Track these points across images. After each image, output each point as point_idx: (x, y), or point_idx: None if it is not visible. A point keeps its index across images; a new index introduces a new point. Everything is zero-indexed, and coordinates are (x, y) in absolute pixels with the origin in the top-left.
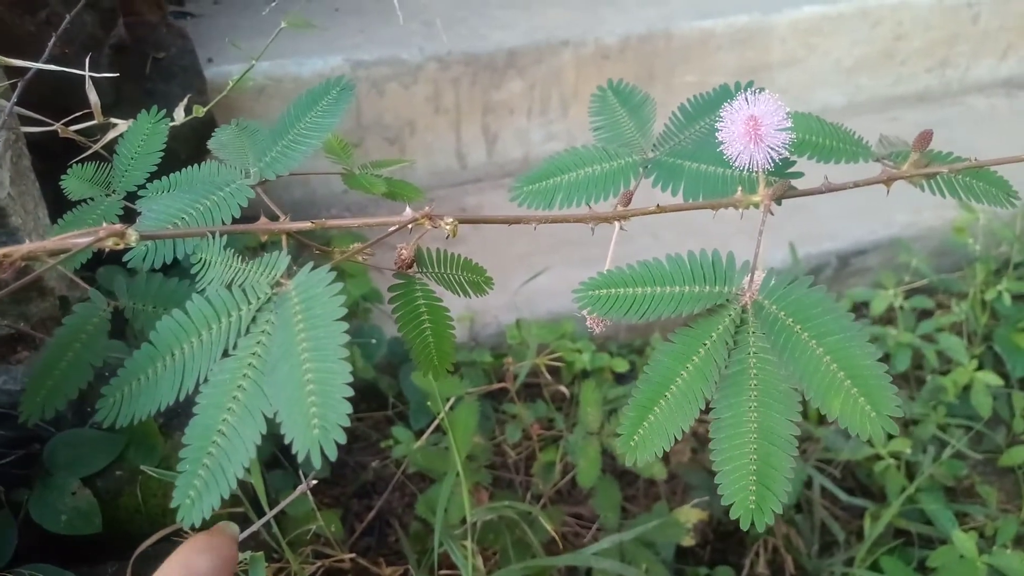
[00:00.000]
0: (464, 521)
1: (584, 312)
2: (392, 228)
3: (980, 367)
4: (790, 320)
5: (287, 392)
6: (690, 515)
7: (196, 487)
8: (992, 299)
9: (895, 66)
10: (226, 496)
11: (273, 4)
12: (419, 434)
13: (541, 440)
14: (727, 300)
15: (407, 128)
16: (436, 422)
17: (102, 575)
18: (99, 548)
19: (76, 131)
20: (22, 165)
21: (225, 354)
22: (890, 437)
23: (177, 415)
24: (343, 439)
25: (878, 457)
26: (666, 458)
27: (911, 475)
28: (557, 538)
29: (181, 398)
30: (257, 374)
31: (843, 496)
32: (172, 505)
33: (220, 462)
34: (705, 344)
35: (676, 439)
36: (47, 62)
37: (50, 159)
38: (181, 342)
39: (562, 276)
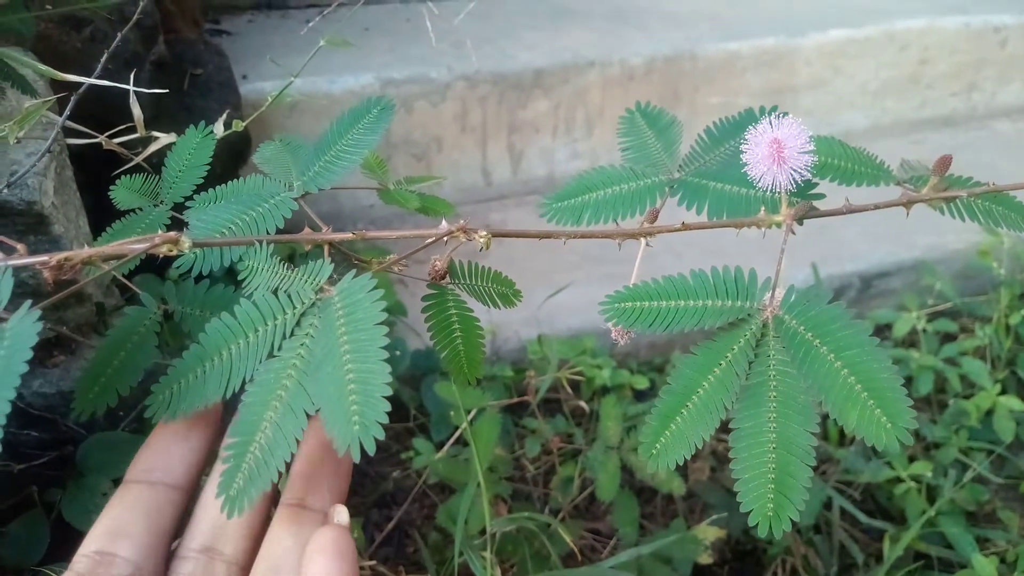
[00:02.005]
0: (483, 532)
1: (609, 324)
2: (429, 240)
3: (1003, 392)
4: (809, 334)
5: (329, 391)
6: (708, 533)
7: (240, 480)
8: (1016, 324)
9: (921, 89)
10: (267, 488)
11: (310, 24)
12: (440, 446)
13: (560, 454)
14: (749, 315)
15: (434, 145)
16: (458, 433)
17: None
18: None
19: (118, 144)
20: (65, 176)
21: (270, 355)
22: (911, 460)
23: None
24: (382, 435)
25: (898, 480)
26: (684, 475)
27: (932, 499)
28: (576, 550)
29: (227, 396)
30: (300, 374)
31: (863, 518)
32: (216, 496)
33: (264, 456)
34: (727, 356)
35: (697, 447)
36: (95, 78)
37: (88, 171)
38: (229, 343)
39: (583, 293)
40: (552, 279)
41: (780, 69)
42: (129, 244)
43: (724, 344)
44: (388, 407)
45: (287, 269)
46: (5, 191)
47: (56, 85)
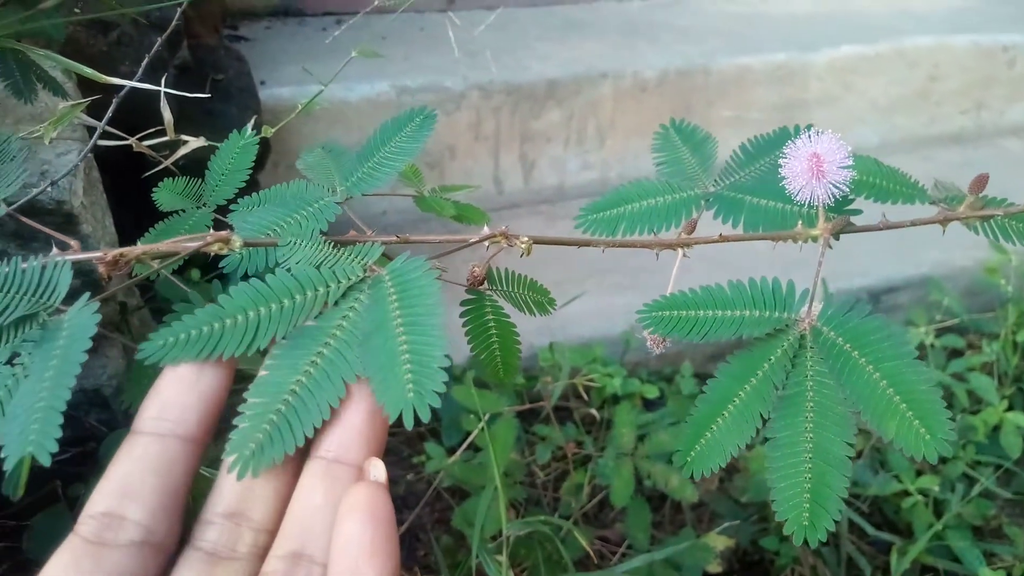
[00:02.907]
0: (496, 537)
1: (646, 333)
2: (471, 242)
3: (1010, 408)
4: (848, 346)
5: (380, 360)
6: (717, 541)
7: (259, 440)
8: (1023, 341)
9: (930, 107)
10: (291, 452)
11: (335, 34)
12: (451, 451)
13: (572, 460)
14: (786, 325)
15: (447, 153)
16: (472, 436)
17: None
18: None
19: (146, 147)
20: (93, 176)
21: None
22: (918, 474)
23: (225, 418)
24: (438, 403)
25: (906, 493)
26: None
27: (939, 513)
28: (592, 554)
29: (248, 352)
30: (340, 343)
31: (870, 530)
32: (224, 456)
33: (289, 419)
34: (763, 367)
35: (733, 455)
36: (136, 81)
37: (111, 172)
38: (258, 306)
39: (594, 303)
40: (563, 289)
41: (792, 84)
42: (182, 242)
43: (761, 354)
44: (446, 377)
45: (332, 247)
46: (49, 189)
47: (83, 88)
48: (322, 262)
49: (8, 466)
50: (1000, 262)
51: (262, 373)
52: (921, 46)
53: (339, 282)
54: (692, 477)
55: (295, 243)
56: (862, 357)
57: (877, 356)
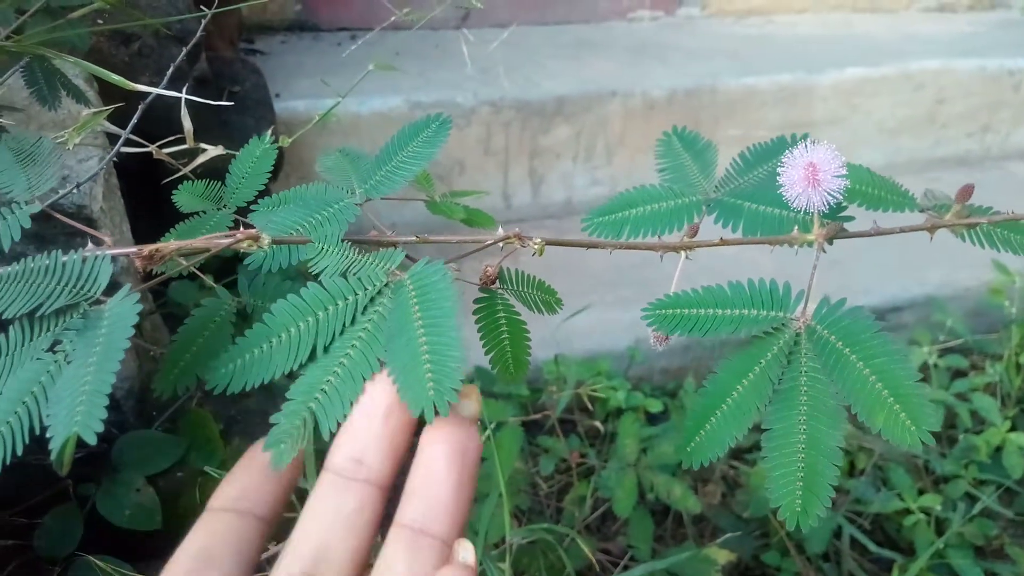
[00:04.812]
0: (499, 545)
1: (650, 330)
2: (487, 243)
3: (1013, 428)
4: (840, 343)
5: (404, 360)
6: (719, 555)
7: (292, 435)
8: None
9: (936, 129)
10: (311, 442)
11: (352, 48)
12: None
13: (576, 471)
14: (782, 324)
15: (457, 167)
16: None
17: (156, 570)
18: (156, 545)
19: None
20: (111, 182)
21: (342, 332)
22: (920, 492)
23: (237, 422)
24: (456, 400)
25: (908, 511)
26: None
27: (940, 531)
28: (594, 562)
29: (295, 368)
30: (364, 344)
31: (872, 547)
32: (264, 449)
33: (317, 415)
34: (760, 362)
35: (729, 446)
36: (143, 94)
37: (128, 180)
38: (297, 321)
39: (599, 317)
40: (568, 302)
41: (798, 105)
42: (214, 239)
43: (759, 351)
44: (463, 376)
45: (357, 253)
46: (75, 192)
47: (104, 96)
48: (348, 269)
49: (55, 445)
50: (1004, 283)
51: (301, 375)
52: (927, 69)
53: (365, 289)
54: (692, 469)
55: (323, 249)
56: (853, 354)
57: (867, 353)
